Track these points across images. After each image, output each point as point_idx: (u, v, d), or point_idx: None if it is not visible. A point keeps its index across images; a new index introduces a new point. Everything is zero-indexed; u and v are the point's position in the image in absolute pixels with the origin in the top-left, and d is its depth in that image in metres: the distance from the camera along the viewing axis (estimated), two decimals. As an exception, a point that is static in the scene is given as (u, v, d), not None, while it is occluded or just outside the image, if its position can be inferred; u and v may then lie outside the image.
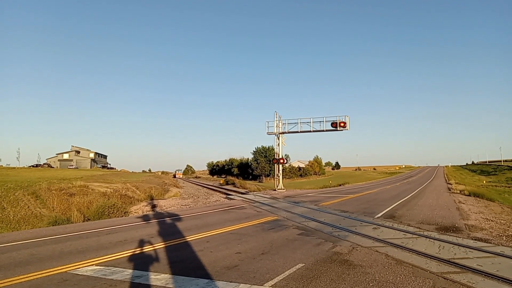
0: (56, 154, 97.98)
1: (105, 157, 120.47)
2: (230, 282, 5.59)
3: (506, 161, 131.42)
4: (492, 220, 12.71)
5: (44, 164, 79.96)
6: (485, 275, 5.81)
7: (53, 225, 13.12)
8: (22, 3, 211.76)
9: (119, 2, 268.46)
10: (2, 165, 59.87)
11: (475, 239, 8.95)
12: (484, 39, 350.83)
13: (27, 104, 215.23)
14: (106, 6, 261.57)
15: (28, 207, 16.06)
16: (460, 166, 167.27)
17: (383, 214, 14.35)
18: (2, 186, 18.98)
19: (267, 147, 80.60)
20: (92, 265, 6.80)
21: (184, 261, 6.94)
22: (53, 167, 74.52)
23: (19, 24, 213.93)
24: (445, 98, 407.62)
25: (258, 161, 79.20)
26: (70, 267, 6.66)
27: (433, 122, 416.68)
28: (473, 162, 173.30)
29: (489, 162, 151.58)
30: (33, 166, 70.25)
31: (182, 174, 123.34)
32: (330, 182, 55.84)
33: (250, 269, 6.32)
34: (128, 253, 7.78)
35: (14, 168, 51.23)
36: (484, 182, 58.61)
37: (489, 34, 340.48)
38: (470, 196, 25.16)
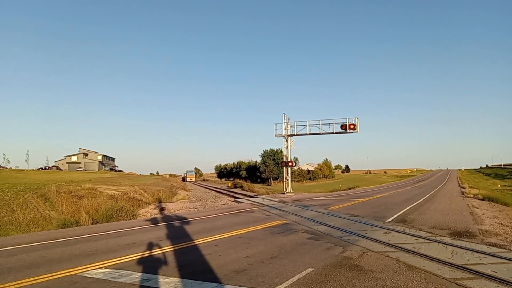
0: (65, 156, 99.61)
1: (113, 159, 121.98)
2: (239, 286, 5.53)
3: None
4: (507, 225, 12.39)
5: (52, 166, 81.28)
6: (500, 282, 5.63)
7: (62, 228, 13.25)
8: (28, 6, 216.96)
9: (125, 4, 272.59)
10: (11, 168, 60.94)
11: (489, 245, 8.72)
12: (498, 39, 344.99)
13: (35, 107, 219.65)
14: (112, 7, 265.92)
15: (37, 209, 16.26)
16: (474, 169, 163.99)
17: (394, 218, 14.11)
18: (12, 188, 19.27)
19: (275, 149, 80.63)
20: (101, 267, 6.82)
21: (192, 265, 6.91)
22: (61, 170, 75.76)
23: (27, 27, 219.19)
24: (459, 100, 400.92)
25: (267, 164, 79.16)
26: (79, 269, 6.69)
27: (446, 125, 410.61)
28: (487, 166, 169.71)
29: (504, 165, 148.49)
30: (41, 168, 71.34)
31: (194, 177, 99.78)
32: (340, 185, 55.42)
33: (259, 273, 6.25)
34: (136, 256, 7.79)
35: (23, 170, 52.00)
36: (499, 186, 57.22)
37: (504, 34, 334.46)
38: (484, 200, 24.58)
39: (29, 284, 5.83)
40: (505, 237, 10.01)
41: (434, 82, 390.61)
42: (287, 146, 32.77)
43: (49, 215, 15.71)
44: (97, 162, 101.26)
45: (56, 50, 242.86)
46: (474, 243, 8.96)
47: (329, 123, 30.48)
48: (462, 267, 6.51)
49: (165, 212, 18.80)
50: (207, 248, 8.45)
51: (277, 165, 75.34)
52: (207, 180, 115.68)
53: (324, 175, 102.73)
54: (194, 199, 28.51)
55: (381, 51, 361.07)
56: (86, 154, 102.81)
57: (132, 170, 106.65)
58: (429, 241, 9.12)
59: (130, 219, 15.96)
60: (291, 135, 32.57)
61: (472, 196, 28.83)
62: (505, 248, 8.31)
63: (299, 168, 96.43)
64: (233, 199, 27.71)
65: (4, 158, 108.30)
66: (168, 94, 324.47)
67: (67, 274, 6.40)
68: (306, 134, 31.84)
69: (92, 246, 9.06)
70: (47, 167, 75.42)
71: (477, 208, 18.81)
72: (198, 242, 9.28)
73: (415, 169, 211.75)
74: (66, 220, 14.22)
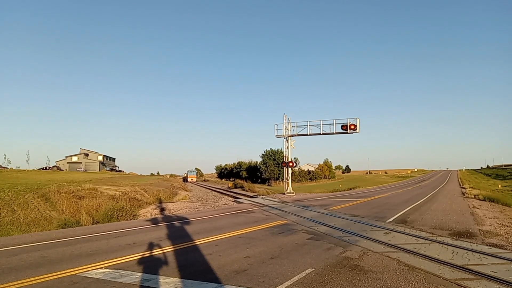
0: (65, 156, 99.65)
1: (114, 160, 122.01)
2: (239, 286, 5.53)
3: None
4: (507, 226, 12.37)
5: (53, 166, 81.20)
6: (500, 282, 5.63)
7: (62, 228, 13.27)
8: (28, 6, 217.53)
9: (127, 5, 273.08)
10: (12, 168, 60.82)
11: (490, 245, 8.71)
12: (498, 39, 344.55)
13: (36, 107, 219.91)
14: (113, 8, 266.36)
15: (38, 209, 16.30)
16: (475, 170, 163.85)
17: (395, 218, 14.10)
18: (12, 188, 19.30)
19: (276, 150, 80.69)
20: (102, 268, 6.83)
21: (193, 265, 6.92)
22: (62, 170, 75.68)
23: (26, 27, 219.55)
24: (459, 100, 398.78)
25: (267, 164, 79.20)
26: (80, 269, 6.70)
27: (446, 125, 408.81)
28: (488, 166, 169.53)
29: (504, 166, 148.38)
30: (42, 168, 71.18)
31: (195, 177, 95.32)
32: (340, 186, 55.42)
33: (259, 273, 6.25)
34: (137, 256, 7.80)
35: (24, 170, 51.88)
36: (500, 186, 57.21)
37: (504, 34, 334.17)
38: (485, 200, 24.56)
39: (30, 284, 5.84)
40: (505, 237, 10.00)
41: (434, 82, 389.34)
42: (287, 147, 32.78)
43: (49, 215, 15.75)
44: (98, 162, 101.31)
45: (57, 50, 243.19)
46: (474, 243, 8.95)
47: (330, 124, 30.49)
48: (462, 267, 6.50)
49: (166, 212, 18.82)
50: (208, 248, 8.45)
51: (277, 165, 75.35)
52: (207, 180, 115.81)
53: (325, 175, 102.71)
54: (195, 199, 28.53)
55: (381, 51, 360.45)
56: (86, 155, 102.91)
57: (133, 171, 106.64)
58: (430, 242, 9.11)
59: (131, 219, 15.98)
60: (292, 136, 32.58)
61: (472, 196, 28.80)
62: (506, 249, 8.30)
63: (299, 168, 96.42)
64: (233, 200, 27.71)
65: (5, 158, 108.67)
66: (169, 94, 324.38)
67: (68, 274, 6.41)
68: (306, 135, 31.87)
69: (92, 246, 9.07)
70: (47, 167, 75.32)
71: (477, 208, 18.79)
72: (198, 242, 9.29)
73: (416, 170, 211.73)
74: (66, 220, 14.24)
